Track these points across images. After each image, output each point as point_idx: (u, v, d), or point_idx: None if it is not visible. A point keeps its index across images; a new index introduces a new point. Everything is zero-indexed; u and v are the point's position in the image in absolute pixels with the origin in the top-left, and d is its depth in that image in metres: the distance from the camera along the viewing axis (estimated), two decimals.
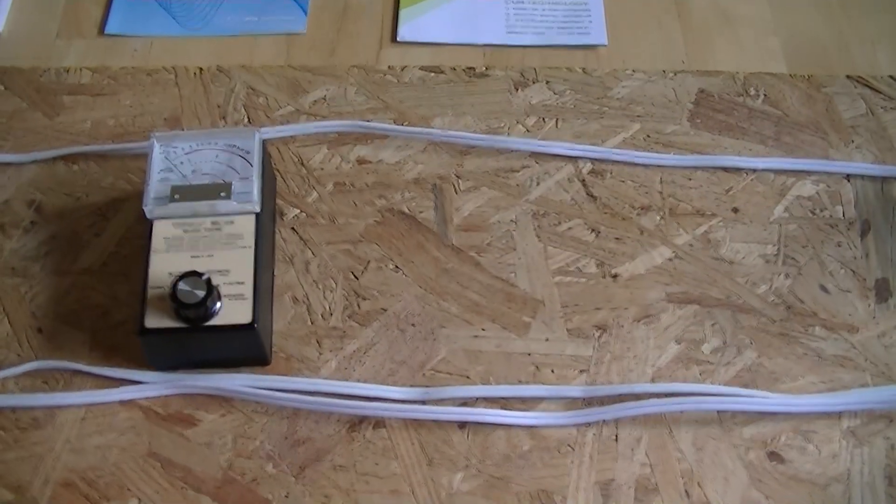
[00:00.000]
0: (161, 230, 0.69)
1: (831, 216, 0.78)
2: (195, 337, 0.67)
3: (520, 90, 0.86)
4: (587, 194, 0.79)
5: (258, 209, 0.70)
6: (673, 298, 0.74)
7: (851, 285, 0.75)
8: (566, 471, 0.67)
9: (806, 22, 0.92)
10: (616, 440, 0.68)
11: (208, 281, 0.65)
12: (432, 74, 0.87)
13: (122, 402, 0.69)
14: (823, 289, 0.75)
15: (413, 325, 0.73)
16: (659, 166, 0.81)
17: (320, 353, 0.71)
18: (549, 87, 0.86)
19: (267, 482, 0.66)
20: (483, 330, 0.73)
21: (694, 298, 0.74)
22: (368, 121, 0.83)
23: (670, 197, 0.79)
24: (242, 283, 0.67)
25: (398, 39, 0.90)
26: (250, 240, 0.69)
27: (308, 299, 0.74)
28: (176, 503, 0.65)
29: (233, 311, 0.66)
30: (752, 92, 0.86)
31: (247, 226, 0.70)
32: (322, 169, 0.81)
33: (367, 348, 0.72)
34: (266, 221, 0.73)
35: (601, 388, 0.70)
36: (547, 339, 0.72)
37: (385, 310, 0.73)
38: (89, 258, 0.76)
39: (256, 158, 0.72)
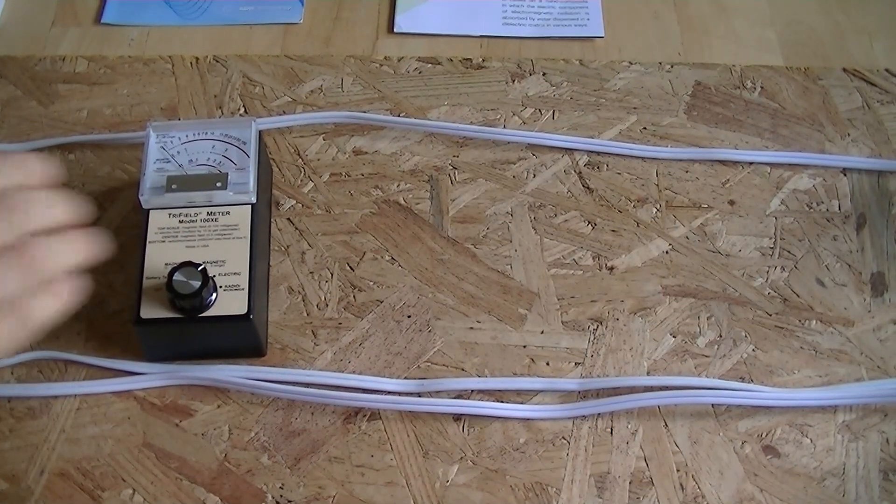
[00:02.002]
0: (157, 220, 0.69)
1: (827, 210, 0.78)
2: (191, 327, 0.67)
3: (516, 81, 0.86)
4: (583, 186, 0.79)
5: (254, 200, 0.70)
6: (669, 291, 0.74)
7: (847, 279, 0.75)
8: (561, 463, 0.67)
9: (802, 14, 0.92)
10: (611, 433, 0.68)
11: (204, 271, 0.65)
12: (429, 65, 0.87)
13: (118, 393, 0.69)
14: (819, 282, 0.75)
15: (409, 316, 0.73)
16: (655, 158, 0.81)
17: (316, 345, 0.71)
18: (545, 79, 0.86)
19: (262, 473, 0.66)
20: (478, 322, 0.73)
21: (690, 291, 0.74)
22: (365, 111, 0.83)
23: (667, 189, 0.79)
24: (238, 273, 0.67)
25: (395, 30, 0.89)
26: (246, 230, 0.69)
27: (304, 290, 0.74)
28: (171, 494, 0.65)
29: (228, 301, 0.66)
30: (749, 84, 0.86)
31: (243, 216, 0.70)
32: (318, 159, 0.81)
33: (362, 340, 0.72)
34: (262, 212, 0.72)
35: (597, 380, 0.70)
36: (542, 332, 0.72)
37: (381, 301, 0.73)
38: None
39: (253, 149, 0.72)
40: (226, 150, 0.72)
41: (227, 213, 0.70)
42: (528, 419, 0.69)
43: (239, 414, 0.68)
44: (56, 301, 0.51)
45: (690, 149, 0.81)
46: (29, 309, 0.49)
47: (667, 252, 0.76)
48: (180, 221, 0.69)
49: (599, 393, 0.70)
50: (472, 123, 0.83)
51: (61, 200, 0.53)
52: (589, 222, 0.77)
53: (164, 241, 0.68)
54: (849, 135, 0.83)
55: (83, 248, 0.52)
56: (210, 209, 0.70)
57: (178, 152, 0.72)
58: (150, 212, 0.70)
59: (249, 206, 0.70)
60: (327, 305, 0.73)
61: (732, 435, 0.68)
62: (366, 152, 0.81)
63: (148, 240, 0.68)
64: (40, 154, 0.57)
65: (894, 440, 0.68)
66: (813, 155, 0.81)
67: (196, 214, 0.70)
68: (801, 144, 0.82)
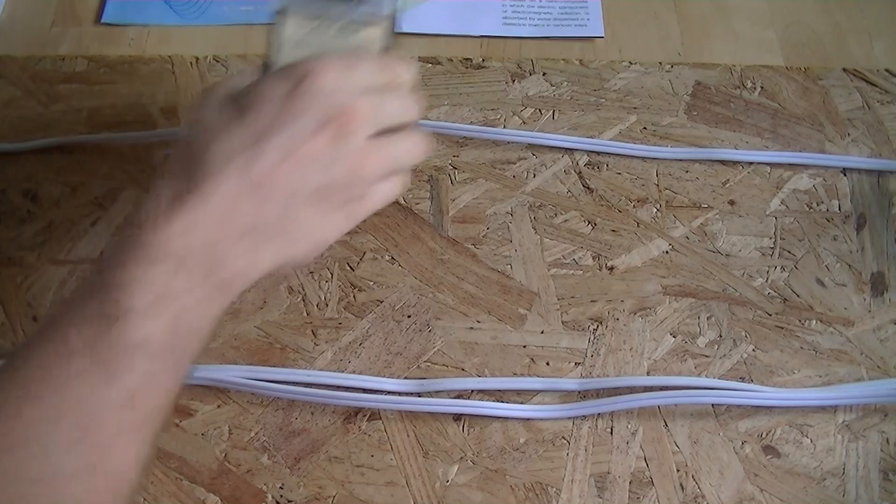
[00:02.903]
0: (287, 28, 0.65)
1: (827, 210, 0.78)
2: None
3: (517, 81, 0.86)
4: (584, 186, 0.79)
5: (390, 20, 0.66)
6: (669, 291, 0.74)
7: (847, 279, 0.75)
8: (561, 463, 0.67)
9: (802, 14, 0.92)
10: (611, 433, 0.68)
11: None
12: (429, 65, 0.87)
13: None
14: (819, 282, 0.75)
15: (409, 316, 0.73)
16: (655, 158, 0.81)
17: (316, 345, 0.71)
18: (545, 79, 0.86)
19: (262, 473, 0.66)
20: (478, 322, 0.73)
21: (690, 291, 0.74)
22: None
23: (667, 189, 0.79)
24: None
25: (395, 30, 0.89)
26: (375, 52, 0.66)
27: (304, 290, 0.74)
28: (171, 494, 0.65)
29: None
30: (749, 84, 0.86)
31: (373, 39, 0.66)
32: None
33: (362, 340, 0.72)
34: (391, 38, 0.68)
35: (597, 380, 0.70)
36: (542, 332, 0.72)
37: (381, 301, 0.73)
38: (86, 248, 0.76)
39: None
40: None
41: (360, 31, 0.66)
42: (528, 419, 0.69)
43: (239, 414, 0.68)
44: (395, 189, 0.61)
45: (690, 149, 0.81)
46: (376, 192, 0.59)
47: (667, 252, 0.76)
48: (311, 33, 0.66)
49: (599, 393, 0.70)
50: (472, 123, 0.83)
51: (415, 105, 0.61)
52: (589, 222, 0.77)
53: (292, 51, 0.64)
54: (849, 135, 0.83)
55: (423, 149, 0.61)
56: (344, 24, 0.67)
57: None
58: (283, 17, 0.65)
59: (382, 26, 0.66)
60: (327, 305, 0.73)
61: (732, 435, 0.68)
62: None
63: (279, 44, 0.64)
64: (406, 60, 0.63)
65: (894, 440, 0.68)
66: (813, 155, 0.81)
67: (328, 28, 0.66)
68: (801, 144, 0.82)
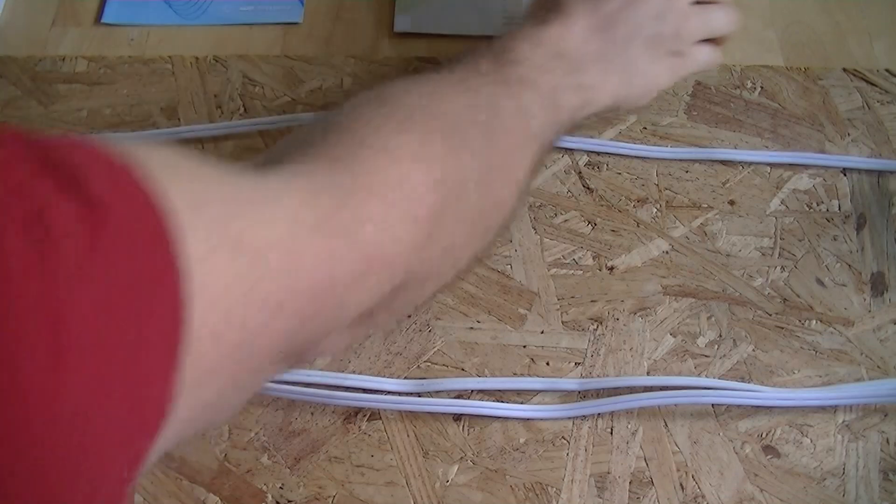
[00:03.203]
0: None
1: (827, 210, 0.78)
2: None
3: None
4: (584, 186, 0.79)
5: None
6: (669, 291, 0.74)
7: (847, 279, 0.75)
8: (561, 463, 0.67)
9: (802, 14, 0.92)
10: (611, 433, 0.68)
11: None
12: (429, 65, 0.87)
13: None
14: (819, 282, 0.75)
15: (409, 316, 0.73)
16: (655, 158, 0.81)
17: None
18: None
19: (262, 473, 0.66)
20: (478, 322, 0.73)
21: (690, 291, 0.74)
22: None
23: (667, 189, 0.79)
24: None
25: (395, 30, 0.89)
26: None
27: None
28: (171, 494, 0.65)
29: None
30: (749, 84, 0.86)
31: None
32: None
33: (362, 340, 0.72)
34: None
35: (597, 380, 0.70)
36: (542, 332, 0.72)
37: None
38: None
39: None
40: None
41: None
42: (528, 419, 0.69)
43: (239, 414, 0.68)
44: (712, 56, 0.72)
45: (690, 149, 0.81)
46: (695, 53, 0.70)
47: (667, 252, 0.76)
48: None
49: (599, 393, 0.70)
50: None
51: None
52: (589, 222, 0.77)
53: None
54: (849, 135, 0.83)
55: (734, 20, 0.72)
56: None
57: None
58: None
59: None
60: None
61: (732, 435, 0.68)
62: None
63: None
64: None
65: (894, 440, 0.68)
66: (813, 155, 0.81)
67: None
68: (801, 144, 0.82)
